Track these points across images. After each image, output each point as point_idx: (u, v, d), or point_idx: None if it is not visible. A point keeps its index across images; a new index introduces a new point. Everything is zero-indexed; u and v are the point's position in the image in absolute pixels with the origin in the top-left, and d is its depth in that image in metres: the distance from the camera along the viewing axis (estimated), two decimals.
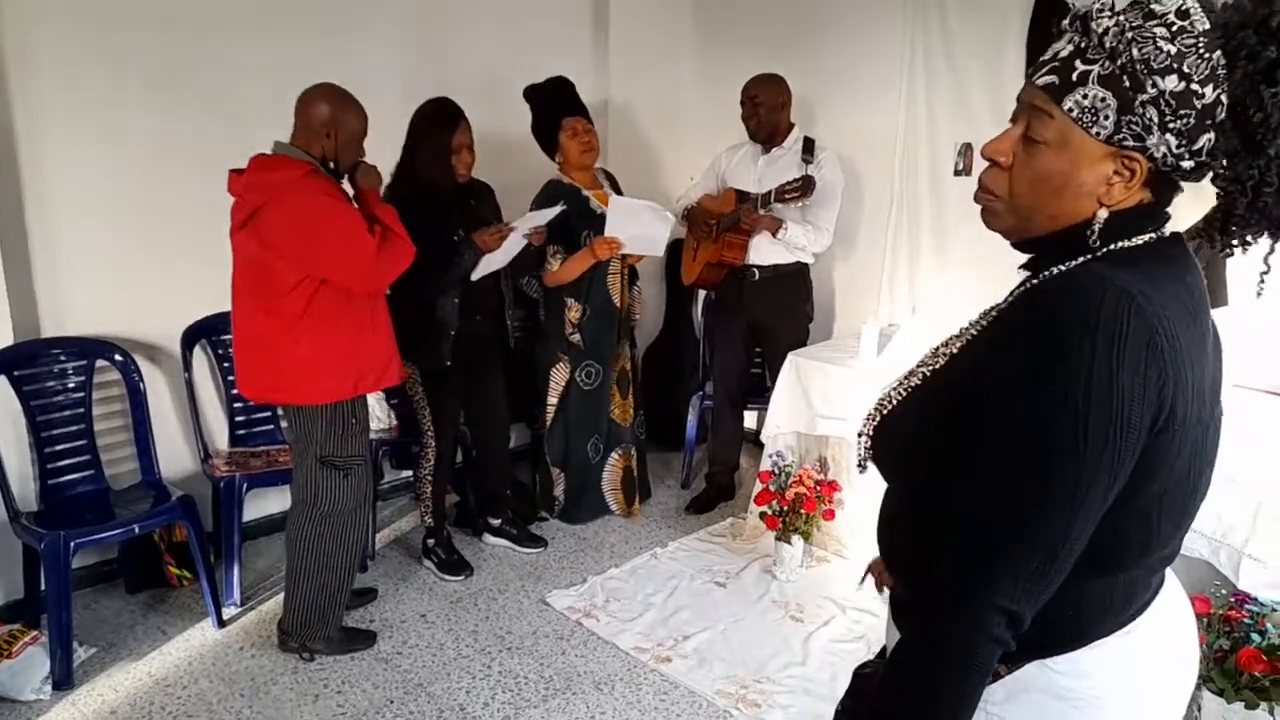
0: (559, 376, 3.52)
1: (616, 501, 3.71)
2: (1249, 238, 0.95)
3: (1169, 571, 1.08)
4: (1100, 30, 0.90)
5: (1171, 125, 0.88)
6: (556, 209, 3.13)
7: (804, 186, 3.24)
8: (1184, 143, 0.89)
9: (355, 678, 2.64)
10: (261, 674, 2.64)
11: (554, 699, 2.57)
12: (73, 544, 2.56)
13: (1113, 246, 0.94)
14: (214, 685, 2.59)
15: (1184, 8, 0.87)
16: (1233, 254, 0.96)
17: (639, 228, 3.30)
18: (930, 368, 1.05)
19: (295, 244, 2.36)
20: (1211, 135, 0.88)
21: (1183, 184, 0.96)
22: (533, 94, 3.38)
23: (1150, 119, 0.88)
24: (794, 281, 3.61)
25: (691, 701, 2.56)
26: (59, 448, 2.86)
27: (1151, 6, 0.89)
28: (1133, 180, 0.92)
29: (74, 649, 2.62)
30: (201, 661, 2.70)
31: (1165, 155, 0.90)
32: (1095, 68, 0.90)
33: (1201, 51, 0.86)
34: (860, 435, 1.12)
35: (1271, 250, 0.95)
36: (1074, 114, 0.91)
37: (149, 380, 3.04)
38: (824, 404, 3.29)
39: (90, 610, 2.94)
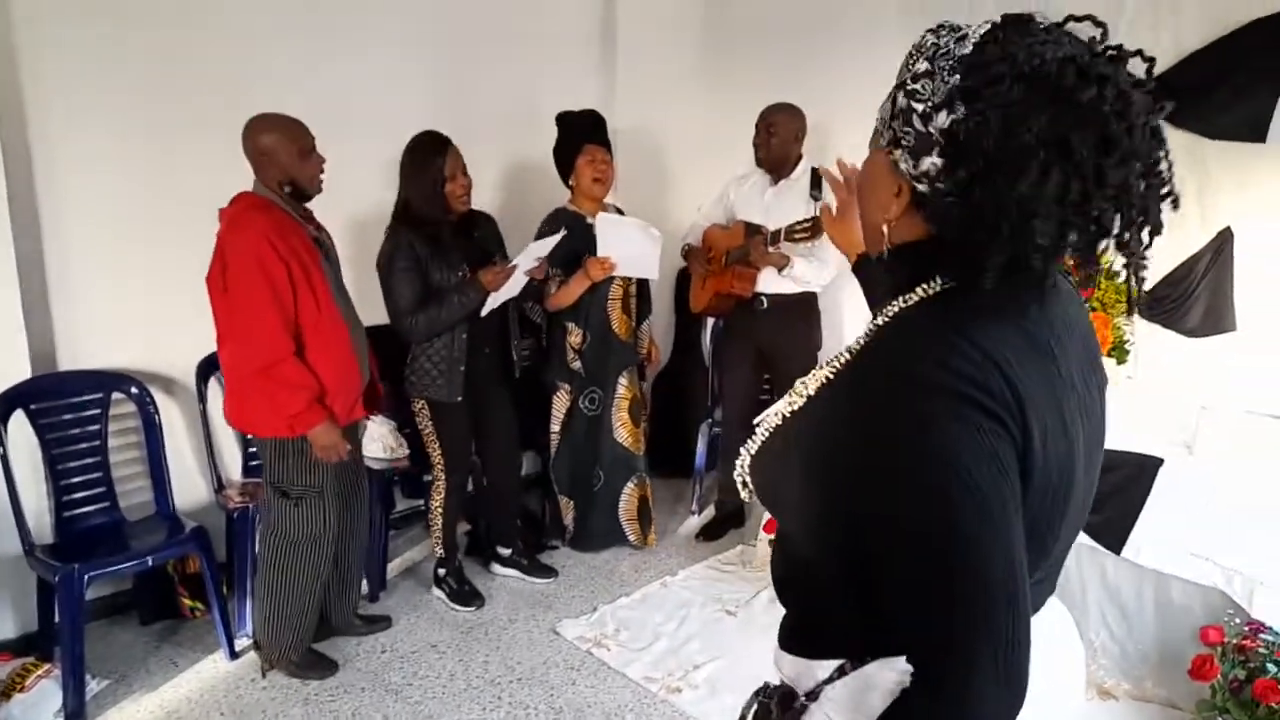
0: (560, 404, 3.54)
1: (634, 532, 3.69)
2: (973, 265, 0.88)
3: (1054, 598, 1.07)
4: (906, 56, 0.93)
5: (902, 140, 0.89)
6: (556, 237, 3.14)
7: (814, 229, 3.25)
8: (912, 161, 0.89)
9: (365, 709, 2.64)
10: (273, 706, 2.65)
11: None
12: (87, 576, 2.57)
13: (937, 286, 0.93)
14: (225, 717, 2.60)
15: (963, 34, 0.87)
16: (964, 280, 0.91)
17: (630, 247, 3.33)
18: (790, 406, 1.01)
19: (212, 278, 2.44)
20: (938, 160, 0.86)
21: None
22: (564, 117, 3.43)
23: (895, 130, 0.91)
24: (802, 309, 3.62)
25: None
26: (74, 480, 2.89)
27: (965, 31, 0.88)
28: (900, 195, 0.93)
29: (86, 681, 2.62)
30: (213, 693, 2.71)
31: (905, 170, 0.91)
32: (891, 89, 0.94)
33: (944, 75, 0.85)
34: (738, 468, 1.10)
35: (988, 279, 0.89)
36: (876, 128, 0.96)
37: (164, 412, 3.07)
38: None
39: (103, 642, 2.96)
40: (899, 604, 0.86)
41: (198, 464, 3.25)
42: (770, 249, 3.37)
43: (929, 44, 0.89)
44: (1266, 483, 2.33)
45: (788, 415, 1.00)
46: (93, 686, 2.67)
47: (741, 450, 1.07)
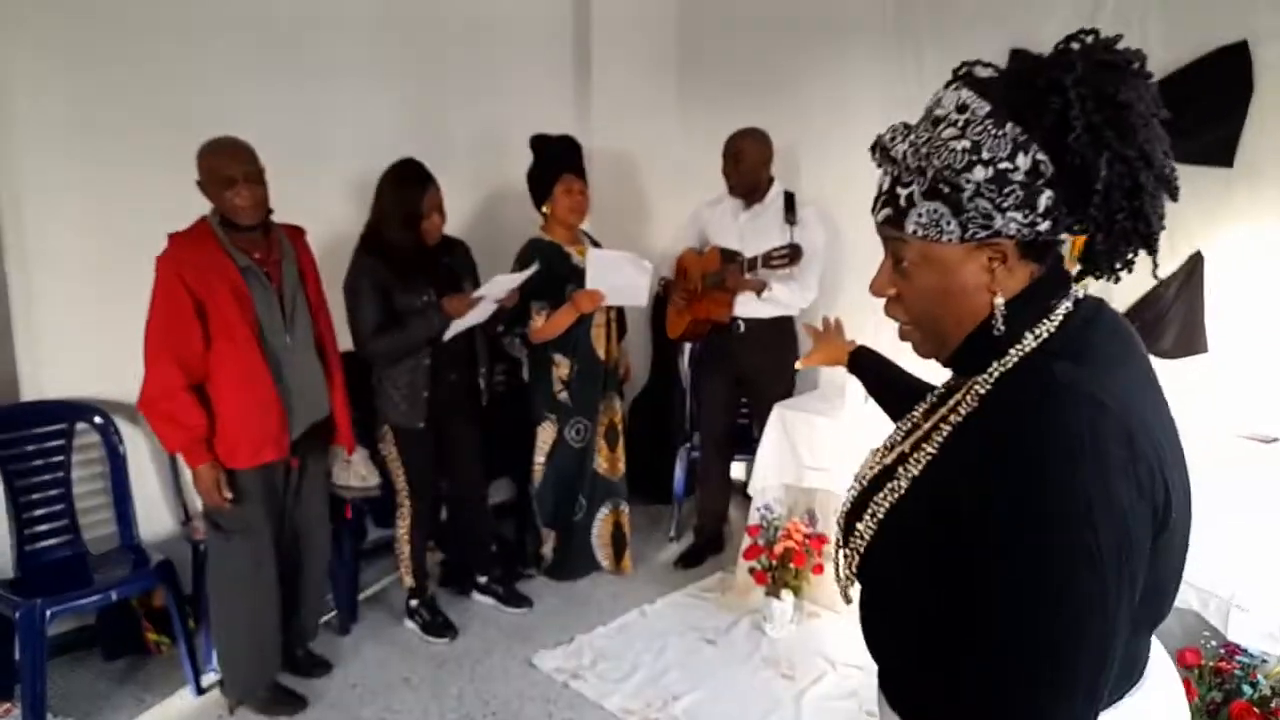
0: (545, 436, 3.48)
1: (607, 558, 3.66)
2: (1125, 259, 0.95)
3: (1155, 640, 1.10)
4: (900, 156, 0.96)
5: (1005, 205, 0.90)
6: (527, 272, 3.12)
7: (791, 255, 3.26)
8: (1027, 212, 0.90)
9: None
10: None
11: None
12: (49, 612, 2.51)
13: (1034, 338, 0.95)
14: None
15: (961, 102, 0.92)
16: (1119, 279, 0.97)
17: (620, 279, 3.32)
18: (893, 494, 1.01)
19: None
20: (1049, 192, 0.90)
21: (1065, 237, 0.96)
22: (540, 142, 3.40)
23: (984, 208, 0.91)
24: (779, 333, 3.61)
25: None
26: (36, 512, 2.82)
27: (935, 112, 0.94)
28: (1007, 261, 0.94)
29: None
30: None
31: (1019, 230, 0.91)
32: (914, 187, 0.94)
33: (994, 132, 0.89)
34: (837, 574, 1.11)
35: (1154, 262, 0.95)
36: (919, 234, 0.95)
37: (129, 443, 3.01)
38: (811, 456, 3.28)
39: (66, 679, 2.88)
40: (985, 659, 0.88)
41: (163, 495, 3.18)
42: (748, 275, 3.38)
43: (929, 137, 0.93)
44: (1240, 504, 2.33)
45: (893, 502, 1.01)
46: None
47: (843, 552, 1.08)
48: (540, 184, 3.39)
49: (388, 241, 2.93)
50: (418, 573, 3.21)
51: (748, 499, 3.55)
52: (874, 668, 1.12)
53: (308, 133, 3.38)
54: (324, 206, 3.21)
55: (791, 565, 3.13)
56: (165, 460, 3.10)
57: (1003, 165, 0.89)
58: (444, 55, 3.86)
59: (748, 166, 3.48)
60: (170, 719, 2.70)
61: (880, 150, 0.99)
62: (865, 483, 1.09)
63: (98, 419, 2.94)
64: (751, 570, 3.25)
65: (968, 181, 0.90)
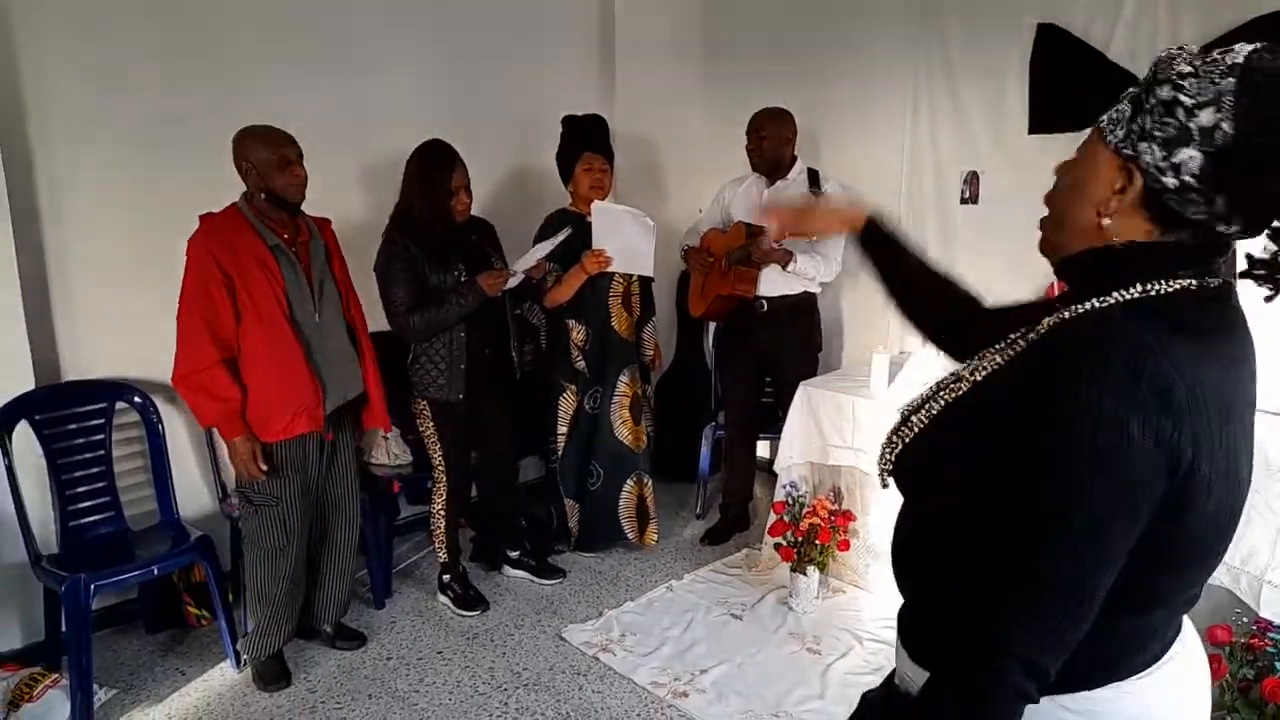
0: (566, 405, 3.53)
1: (632, 530, 3.69)
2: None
3: (1185, 617, 1.08)
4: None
5: (1154, 131, 0.91)
6: (561, 235, 3.17)
7: None
8: (1165, 152, 0.90)
9: (372, 716, 2.64)
10: (280, 714, 2.65)
11: None
12: (93, 586, 2.58)
13: (1140, 291, 0.94)
14: None
15: (1223, 53, 0.89)
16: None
17: (624, 238, 3.35)
18: (952, 393, 1.05)
19: None
20: (1195, 153, 0.88)
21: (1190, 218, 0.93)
22: (568, 122, 3.47)
23: (1146, 124, 0.92)
24: (801, 312, 3.62)
25: None
26: (79, 490, 2.89)
27: (1225, 50, 0.91)
28: (1126, 193, 0.94)
29: (94, 691, 2.63)
30: (220, 702, 2.71)
31: (1148, 165, 0.91)
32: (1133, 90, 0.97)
33: (1214, 78, 0.87)
34: (881, 456, 1.12)
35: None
36: (1102, 123, 0.98)
37: (167, 421, 3.07)
38: (836, 434, 3.29)
39: (110, 651, 2.96)
40: (973, 574, 0.92)
41: (202, 472, 3.26)
42: (773, 245, 3.38)
43: (1185, 54, 0.92)
44: (1272, 481, 2.32)
45: (949, 400, 1.05)
46: (100, 696, 2.68)
47: (894, 438, 1.10)
48: (565, 161, 3.46)
49: (418, 221, 2.98)
50: (451, 548, 3.27)
51: (773, 477, 3.57)
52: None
53: (345, 119, 3.44)
54: (360, 190, 3.25)
55: (817, 541, 3.16)
56: (203, 438, 3.17)
57: (1182, 98, 0.89)
58: (475, 43, 3.89)
59: (771, 142, 3.50)
60: (212, 691, 2.77)
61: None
62: (933, 387, 1.11)
63: (137, 398, 3.00)
64: (777, 546, 3.27)
65: (1153, 96, 0.91)
